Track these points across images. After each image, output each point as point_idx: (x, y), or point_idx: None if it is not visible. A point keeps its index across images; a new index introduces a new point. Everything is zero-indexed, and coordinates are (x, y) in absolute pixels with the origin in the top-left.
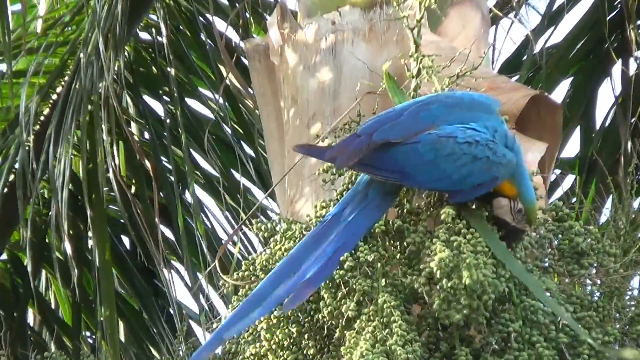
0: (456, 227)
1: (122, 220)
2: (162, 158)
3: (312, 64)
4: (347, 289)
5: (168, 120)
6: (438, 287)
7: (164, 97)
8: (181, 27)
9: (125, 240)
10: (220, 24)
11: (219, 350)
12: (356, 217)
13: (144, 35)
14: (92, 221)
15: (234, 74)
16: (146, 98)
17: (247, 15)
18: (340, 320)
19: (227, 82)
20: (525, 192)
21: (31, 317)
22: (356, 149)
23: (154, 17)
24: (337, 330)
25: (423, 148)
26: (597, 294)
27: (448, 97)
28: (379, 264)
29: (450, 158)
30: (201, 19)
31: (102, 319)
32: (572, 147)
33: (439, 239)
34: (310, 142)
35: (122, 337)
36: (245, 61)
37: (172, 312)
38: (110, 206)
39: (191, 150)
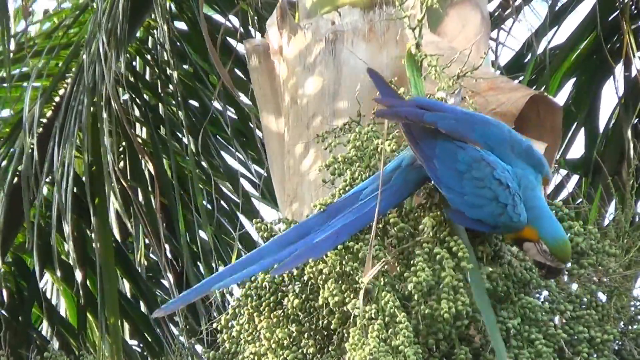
0: (441, 234)
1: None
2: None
3: (311, 64)
4: (350, 280)
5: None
6: (414, 311)
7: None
8: (180, 23)
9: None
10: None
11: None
12: (374, 198)
13: (144, 36)
14: (95, 223)
15: (225, 78)
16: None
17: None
18: (338, 312)
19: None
20: (545, 232)
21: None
22: (401, 114)
23: (155, 17)
24: (333, 323)
25: (462, 157)
26: (599, 294)
27: (510, 133)
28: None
29: (476, 182)
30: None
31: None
32: (578, 149)
33: (422, 250)
34: (310, 142)
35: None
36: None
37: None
38: None
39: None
